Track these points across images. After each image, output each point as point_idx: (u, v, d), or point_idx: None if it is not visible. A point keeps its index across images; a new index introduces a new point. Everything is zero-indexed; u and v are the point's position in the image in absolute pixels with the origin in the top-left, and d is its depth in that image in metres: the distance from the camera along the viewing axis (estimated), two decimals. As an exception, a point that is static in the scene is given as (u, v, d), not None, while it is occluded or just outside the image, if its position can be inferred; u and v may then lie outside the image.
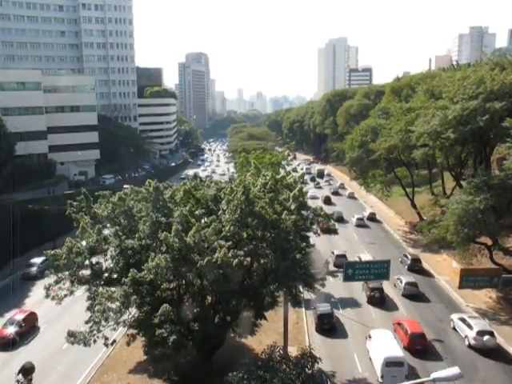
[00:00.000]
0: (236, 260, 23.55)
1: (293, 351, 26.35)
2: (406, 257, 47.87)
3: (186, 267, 24.24)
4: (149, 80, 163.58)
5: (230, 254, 23.54)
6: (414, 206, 63.95)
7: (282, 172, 36.46)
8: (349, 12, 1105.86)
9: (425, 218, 59.12)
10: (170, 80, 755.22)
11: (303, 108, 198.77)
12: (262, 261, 26.74)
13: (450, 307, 37.97)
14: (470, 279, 32.27)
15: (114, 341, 27.93)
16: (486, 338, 30.55)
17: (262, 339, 30.94)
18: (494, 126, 40.70)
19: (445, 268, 46.94)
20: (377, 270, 30.58)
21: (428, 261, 49.74)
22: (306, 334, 34.37)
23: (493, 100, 40.63)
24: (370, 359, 29.58)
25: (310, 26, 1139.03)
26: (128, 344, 26.89)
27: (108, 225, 29.36)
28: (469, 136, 43.65)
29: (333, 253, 48.20)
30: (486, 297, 39.07)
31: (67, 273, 26.60)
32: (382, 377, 27.08)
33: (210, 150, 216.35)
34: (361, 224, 64.82)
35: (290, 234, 25.74)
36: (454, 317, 34.38)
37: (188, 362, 28.81)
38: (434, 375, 11.89)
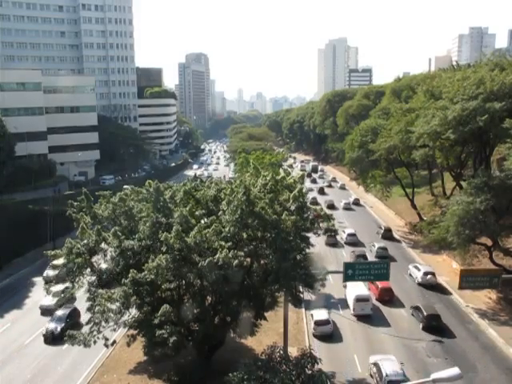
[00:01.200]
0: (236, 261, 23.56)
1: (293, 351, 26.36)
2: (381, 228, 60.64)
3: (187, 268, 24.24)
4: (149, 80, 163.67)
5: (230, 255, 23.55)
6: (413, 206, 63.92)
7: (282, 172, 36.42)
8: (349, 12, 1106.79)
9: (425, 218, 59.12)
10: (170, 80, 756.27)
11: (303, 108, 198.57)
12: (262, 261, 26.77)
13: (409, 261, 49.06)
14: (469, 280, 32.29)
15: (114, 341, 27.94)
16: (428, 276, 42.55)
17: (262, 339, 30.97)
18: (493, 126, 40.68)
19: (445, 268, 46.94)
20: (377, 271, 30.63)
21: (428, 261, 49.78)
22: (306, 334, 34.40)
23: (492, 100, 40.61)
24: (346, 302, 38.58)
25: (310, 26, 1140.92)
26: (128, 344, 26.91)
27: (106, 223, 29.36)
28: (469, 136, 43.63)
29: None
30: (486, 297, 39.09)
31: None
32: (353, 309, 36.85)
33: (210, 150, 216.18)
34: (347, 207, 77.44)
35: (290, 234, 25.75)
36: (410, 266, 46.19)
37: (188, 362, 28.83)
38: (433, 376, 11.84)
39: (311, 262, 27.41)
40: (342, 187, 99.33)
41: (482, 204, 34.33)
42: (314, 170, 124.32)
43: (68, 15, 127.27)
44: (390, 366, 26.56)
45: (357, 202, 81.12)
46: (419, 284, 42.86)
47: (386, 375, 25.78)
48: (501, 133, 39.66)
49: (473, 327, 35.10)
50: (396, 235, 59.48)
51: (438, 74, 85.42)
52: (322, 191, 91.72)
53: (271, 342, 26.23)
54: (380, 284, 39.24)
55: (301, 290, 28.56)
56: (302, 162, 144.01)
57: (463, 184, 45.51)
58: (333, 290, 41.48)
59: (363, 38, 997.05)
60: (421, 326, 34.58)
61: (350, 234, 55.90)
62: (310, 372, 21.37)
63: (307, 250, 28.08)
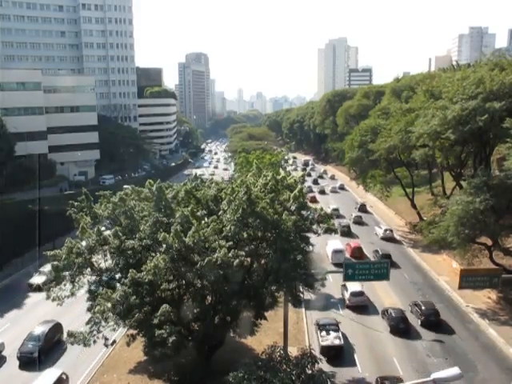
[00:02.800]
0: (237, 260, 23.58)
1: (293, 351, 26.34)
2: (357, 203, 78.98)
3: (186, 267, 24.25)
4: (149, 80, 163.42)
5: (230, 254, 23.57)
6: (413, 206, 63.93)
7: (282, 172, 36.49)
8: (349, 12, 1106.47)
9: (425, 218, 59.12)
10: (170, 80, 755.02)
11: (303, 108, 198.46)
12: (262, 261, 26.77)
13: (377, 224, 65.00)
14: (469, 279, 32.26)
15: (114, 341, 27.97)
16: (387, 232, 58.88)
17: (262, 339, 30.97)
18: (493, 126, 40.66)
19: (445, 268, 46.95)
20: (377, 271, 30.70)
21: (428, 261, 49.82)
22: (306, 334, 34.42)
23: (492, 100, 40.60)
24: (327, 256, 49.35)
25: (310, 26, 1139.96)
26: (128, 344, 26.91)
27: (106, 224, 29.33)
28: (468, 136, 43.61)
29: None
30: (485, 297, 39.09)
31: (67, 273, 26.60)
32: (331, 259, 48.51)
33: (210, 151, 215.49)
34: (334, 191, 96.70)
35: (290, 234, 25.76)
36: (375, 227, 63.28)
37: (188, 362, 28.82)
38: (434, 375, 11.86)
39: (311, 262, 27.45)
40: (332, 177, 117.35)
41: (481, 204, 34.30)
42: (306, 164, 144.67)
43: (68, 15, 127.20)
44: (353, 285, 38.58)
45: (342, 187, 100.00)
46: (381, 238, 58.52)
47: (350, 288, 38.74)
48: (501, 133, 39.61)
49: (473, 327, 35.10)
50: (369, 209, 77.77)
51: (437, 73, 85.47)
52: (315, 182, 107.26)
53: (271, 341, 26.23)
54: (353, 244, 52.56)
55: (301, 289, 28.61)
56: (295, 158, 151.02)
57: (463, 184, 45.49)
58: (333, 289, 41.61)
59: (363, 38, 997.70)
60: None
61: (334, 209, 69.29)
62: (310, 372, 21.39)
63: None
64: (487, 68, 48.35)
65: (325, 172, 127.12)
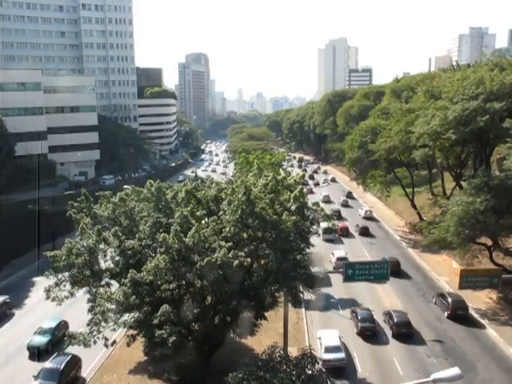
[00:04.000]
0: (237, 261, 23.57)
1: (293, 351, 26.32)
2: (344, 191, 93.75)
3: (186, 268, 24.25)
4: (149, 80, 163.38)
5: (230, 255, 23.57)
6: (413, 206, 63.91)
7: (282, 173, 36.49)
8: (349, 12, 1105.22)
9: (425, 218, 59.08)
10: (170, 80, 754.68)
11: (303, 108, 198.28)
12: (262, 261, 26.77)
13: (359, 207, 77.99)
14: (469, 280, 32.31)
15: (114, 341, 27.96)
16: (368, 212, 72.06)
17: (262, 339, 30.96)
18: (493, 126, 40.68)
19: (445, 268, 46.94)
20: (377, 271, 30.77)
21: (428, 261, 49.78)
22: (306, 334, 34.42)
23: (492, 100, 40.61)
24: (320, 234, 52.65)
25: (310, 26, 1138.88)
26: (128, 345, 26.91)
27: (106, 224, 29.30)
28: (469, 136, 43.59)
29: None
30: (486, 297, 39.07)
31: (67, 274, 26.58)
32: (322, 235, 52.03)
33: (210, 152, 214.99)
34: (326, 182, 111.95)
35: (290, 234, 25.75)
36: (359, 209, 76.02)
37: (188, 362, 28.82)
38: (434, 376, 11.84)
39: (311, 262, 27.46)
40: (325, 172, 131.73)
41: (481, 204, 34.27)
42: (301, 160, 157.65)
43: (68, 15, 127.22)
44: (338, 252, 49.38)
45: (333, 179, 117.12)
46: (363, 217, 70.68)
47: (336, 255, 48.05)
48: (501, 133, 39.64)
49: (473, 327, 35.11)
50: (354, 194, 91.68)
51: (437, 74, 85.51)
52: (311, 176, 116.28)
53: (271, 342, 26.22)
54: (340, 225, 60.85)
55: (301, 289, 28.60)
56: (289, 155, 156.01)
57: (463, 184, 45.48)
58: (333, 289, 41.60)
59: (363, 38, 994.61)
60: (358, 233, 62.32)
61: (324, 196, 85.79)
62: (309, 372, 21.37)
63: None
64: (487, 68, 48.39)
65: (319, 168, 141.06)
